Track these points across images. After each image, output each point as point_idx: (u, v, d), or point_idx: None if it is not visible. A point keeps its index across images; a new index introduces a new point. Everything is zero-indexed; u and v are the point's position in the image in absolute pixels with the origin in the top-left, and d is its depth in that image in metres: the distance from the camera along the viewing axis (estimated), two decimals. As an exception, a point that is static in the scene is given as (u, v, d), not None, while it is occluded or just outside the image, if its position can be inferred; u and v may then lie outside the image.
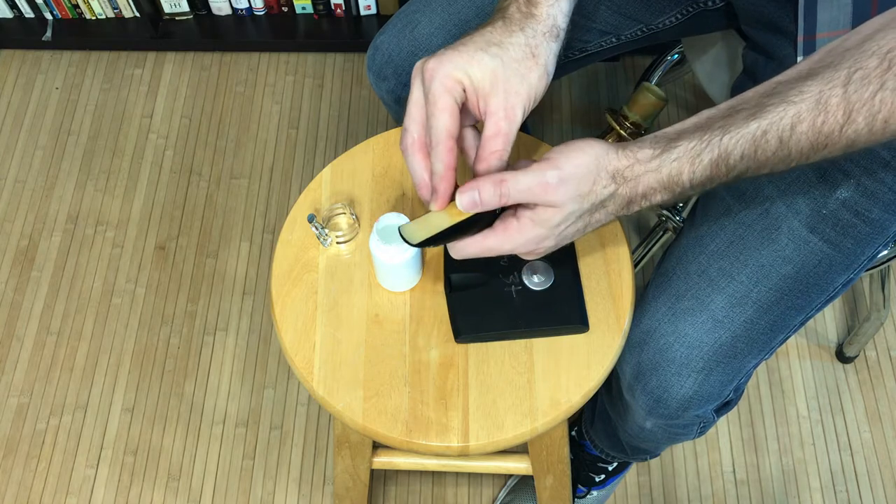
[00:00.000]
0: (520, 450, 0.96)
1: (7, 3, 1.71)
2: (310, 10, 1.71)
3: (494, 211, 0.65)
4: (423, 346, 0.79)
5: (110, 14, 1.73)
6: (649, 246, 1.31)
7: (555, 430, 0.89)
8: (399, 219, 0.78)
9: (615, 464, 1.23)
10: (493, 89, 0.66)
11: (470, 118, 0.70)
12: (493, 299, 0.79)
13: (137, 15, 1.70)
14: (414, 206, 0.87)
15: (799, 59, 0.78)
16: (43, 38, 1.72)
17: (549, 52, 0.69)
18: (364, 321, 0.80)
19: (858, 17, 0.72)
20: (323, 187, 0.88)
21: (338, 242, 0.84)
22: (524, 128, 0.70)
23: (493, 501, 1.30)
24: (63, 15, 1.73)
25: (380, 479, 1.31)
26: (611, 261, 0.83)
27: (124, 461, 1.34)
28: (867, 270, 0.88)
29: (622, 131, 1.14)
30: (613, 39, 0.95)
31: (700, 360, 0.81)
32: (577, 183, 0.62)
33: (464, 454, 0.75)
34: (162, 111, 1.67)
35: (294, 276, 0.83)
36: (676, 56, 1.26)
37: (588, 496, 1.27)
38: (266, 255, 1.51)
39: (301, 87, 1.69)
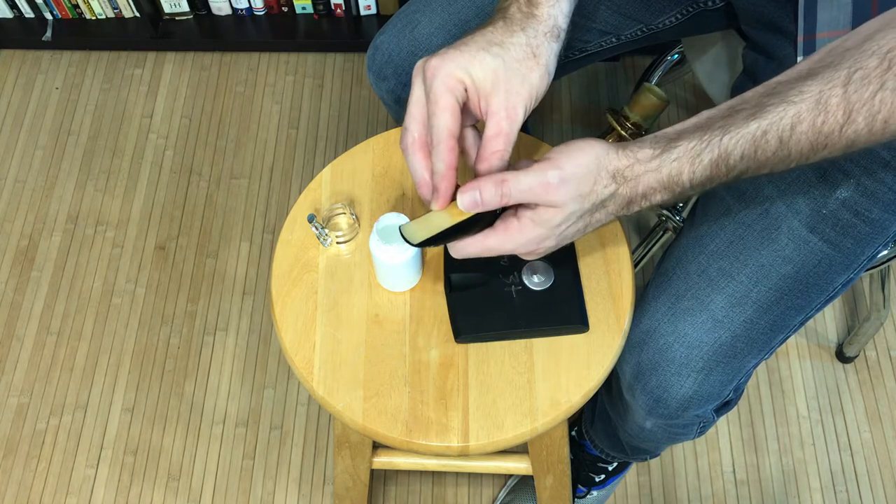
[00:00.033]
0: (520, 450, 0.96)
1: (7, 3, 1.71)
2: (310, 10, 1.71)
3: (495, 211, 0.65)
4: (423, 346, 0.79)
5: (110, 14, 1.73)
6: (649, 246, 1.31)
7: (555, 430, 0.89)
8: (399, 219, 0.78)
9: (615, 464, 1.23)
10: (494, 89, 0.66)
11: (470, 118, 0.70)
12: (493, 299, 0.79)
13: (137, 15, 1.70)
14: (414, 206, 0.87)
15: (799, 59, 0.78)
16: (43, 38, 1.72)
17: (550, 53, 0.69)
18: (364, 321, 0.80)
19: (858, 17, 0.72)
20: (323, 187, 0.88)
21: (338, 242, 0.84)
22: (524, 128, 0.70)
23: (493, 501, 1.30)
24: (63, 15, 1.73)
25: (380, 479, 1.31)
26: (611, 261, 0.83)
27: (124, 461, 1.34)
28: (867, 270, 0.88)
29: (623, 132, 1.14)
30: (613, 39, 0.95)
31: (700, 359, 0.81)
32: (578, 183, 0.62)
33: (464, 454, 0.75)
34: (162, 111, 1.67)
35: (294, 276, 0.83)
36: (676, 56, 1.26)
37: (588, 496, 1.27)
38: (266, 255, 1.51)
39: (301, 87, 1.69)
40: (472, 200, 0.63)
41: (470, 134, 0.71)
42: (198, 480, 1.33)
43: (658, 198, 0.64)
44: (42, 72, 1.73)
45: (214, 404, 1.38)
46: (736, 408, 1.34)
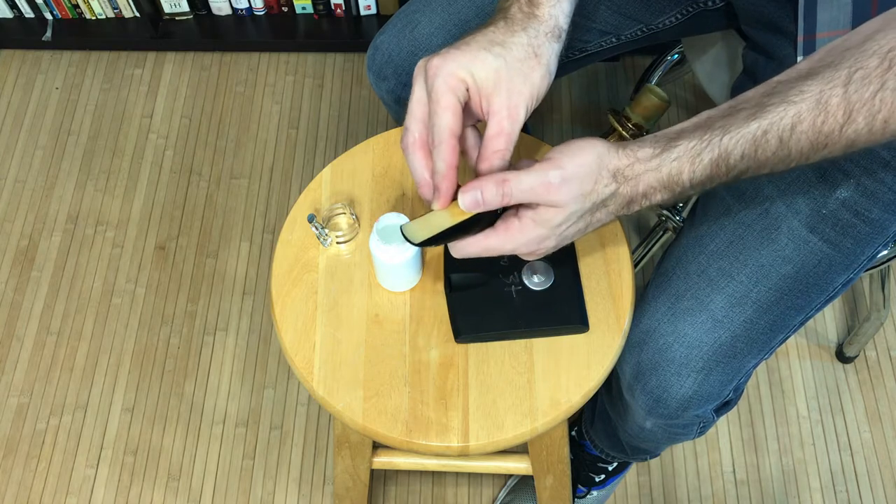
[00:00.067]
0: (520, 450, 0.96)
1: (7, 3, 1.71)
2: (310, 10, 1.71)
3: (496, 211, 0.65)
4: (423, 346, 0.79)
5: (110, 14, 1.73)
6: (649, 246, 1.31)
7: (555, 430, 0.89)
8: (399, 219, 0.78)
9: (615, 464, 1.23)
10: (496, 89, 0.66)
11: (471, 118, 0.70)
12: (493, 299, 0.79)
13: (137, 15, 1.70)
14: (414, 206, 0.87)
15: (799, 59, 0.78)
16: (43, 38, 1.72)
17: (551, 53, 0.69)
18: (364, 321, 0.80)
19: (858, 17, 0.72)
20: (323, 187, 0.88)
21: (338, 242, 0.84)
22: (524, 128, 0.70)
23: (493, 501, 1.30)
24: (63, 15, 1.73)
25: (380, 479, 1.31)
26: (611, 261, 0.83)
27: (124, 461, 1.34)
28: (867, 270, 0.88)
29: (624, 133, 1.14)
30: (613, 39, 0.95)
31: (700, 359, 0.81)
32: (580, 182, 0.62)
33: (464, 454, 0.75)
34: (162, 111, 1.67)
35: (294, 276, 0.83)
36: (676, 56, 1.26)
37: (588, 496, 1.27)
38: (266, 255, 1.51)
39: (301, 87, 1.69)
40: (473, 200, 0.63)
41: (470, 134, 0.71)
42: (198, 480, 1.33)
43: (658, 197, 0.64)
44: (42, 72, 1.73)
45: (214, 404, 1.38)
46: (736, 408, 1.34)
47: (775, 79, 0.62)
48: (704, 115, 0.63)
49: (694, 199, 1.08)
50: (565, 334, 0.79)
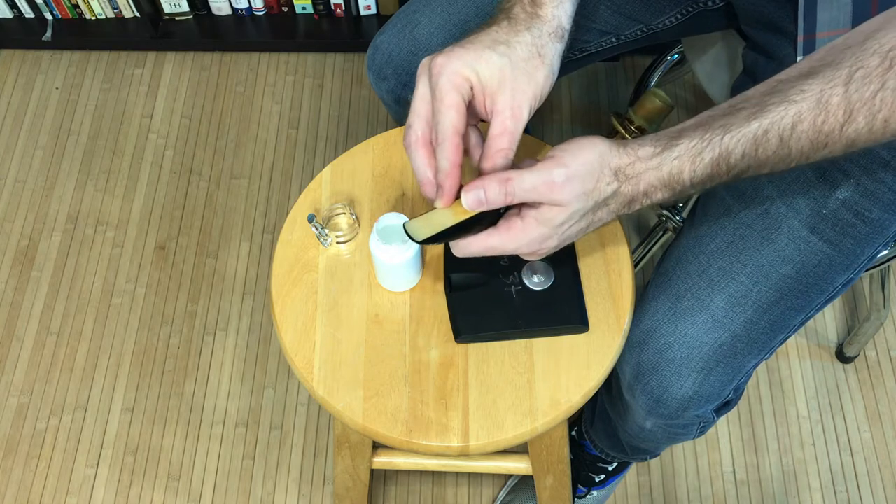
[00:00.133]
0: (520, 450, 0.96)
1: (7, 3, 1.71)
2: (310, 10, 1.71)
3: (498, 210, 0.65)
4: (423, 346, 0.79)
5: (110, 14, 1.73)
6: (649, 246, 1.31)
7: (555, 430, 0.89)
8: (399, 219, 0.78)
9: (615, 464, 1.23)
10: (500, 88, 0.66)
11: (473, 117, 0.70)
12: (493, 299, 0.79)
13: (137, 15, 1.70)
14: (414, 205, 0.86)
15: (799, 58, 0.78)
16: (43, 38, 1.72)
17: (554, 53, 0.69)
18: (364, 321, 0.80)
19: (858, 17, 0.72)
20: (323, 187, 0.88)
21: (338, 242, 0.84)
22: (525, 128, 0.70)
23: (493, 501, 1.30)
24: (63, 15, 1.73)
25: (380, 479, 1.31)
26: (611, 261, 0.83)
27: (124, 461, 1.34)
28: (867, 270, 0.88)
29: (627, 135, 1.14)
30: (613, 39, 0.95)
31: (700, 359, 0.81)
32: (583, 181, 0.62)
33: (464, 454, 0.75)
34: (162, 111, 1.67)
35: (294, 276, 0.83)
36: (676, 56, 1.26)
37: (588, 496, 1.27)
38: (266, 255, 1.51)
39: (301, 87, 1.69)
40: (476, 199, 0.63)
41: (472, 133, 0.71)
42: (198, 480, 1.33)
43: (659, 196, 0.64)
44: (42, 72, 1.73)
45: (214, 404, 1.38)
46: (736, 408, 1.34)
47: (776, 77, 0.62)
48: (705, 114, 0.63)
49: (694, 199, 1.08)
50: (565, 334, 0.79)
